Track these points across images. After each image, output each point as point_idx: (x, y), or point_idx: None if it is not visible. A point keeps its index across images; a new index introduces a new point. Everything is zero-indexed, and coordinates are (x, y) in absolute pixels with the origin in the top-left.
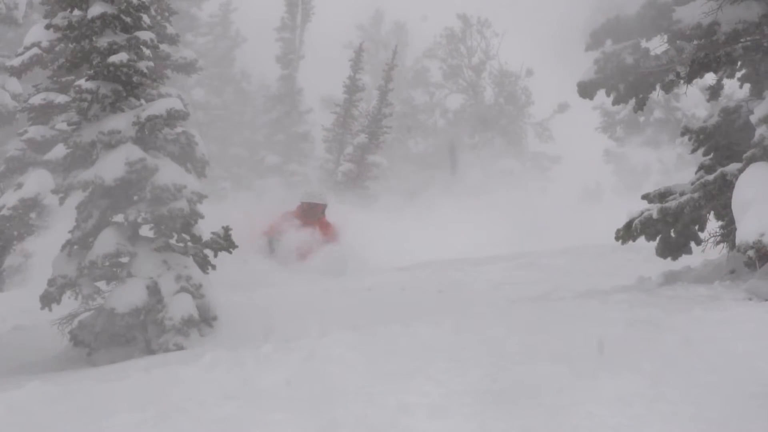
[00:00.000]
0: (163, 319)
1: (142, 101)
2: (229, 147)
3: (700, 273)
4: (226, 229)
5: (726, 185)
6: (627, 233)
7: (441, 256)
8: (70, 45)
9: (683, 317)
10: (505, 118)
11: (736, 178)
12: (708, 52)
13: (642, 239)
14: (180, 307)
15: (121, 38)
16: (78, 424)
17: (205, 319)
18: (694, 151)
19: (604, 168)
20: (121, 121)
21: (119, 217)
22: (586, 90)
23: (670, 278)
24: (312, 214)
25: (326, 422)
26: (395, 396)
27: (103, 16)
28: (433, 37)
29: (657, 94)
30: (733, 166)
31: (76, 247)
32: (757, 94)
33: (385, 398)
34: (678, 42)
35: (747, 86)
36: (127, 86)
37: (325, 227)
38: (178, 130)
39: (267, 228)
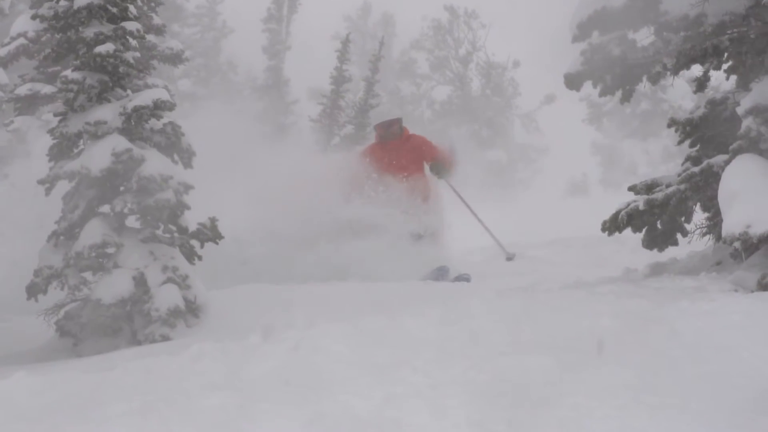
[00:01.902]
0: (149, 309)
1: (129, 92)
2: None
3: (687, 264)
4: (213, 219)
5: (712, 177)
6: (613, 225)
7: None
8: (56, 35)
9: (669, 309)
10: (492, 109)
11: (723, 170)
12: (695, 44)
13: (628, 231)
14: (166, 298)
15: (107, 28)
16: (64, 415)
17: (191, 310)
18: (680, 142)
19: (590, 159)
20: (107, 112)
21: (105, 208)
22: (573, 81)
23: (657, 270)
24: (392, 135)
25: (313, 413)
26: (382, 387)
27: (89, 7)
28: (420, 28)
29: (644, 86)
30: (719, 158)
31: (62, 237)
32: (743, 85)
33: (372, 389)
34: (665, 34)
35: (734, 78)
36: (114, 77)
37: (416, 141)
38: (165, 120)
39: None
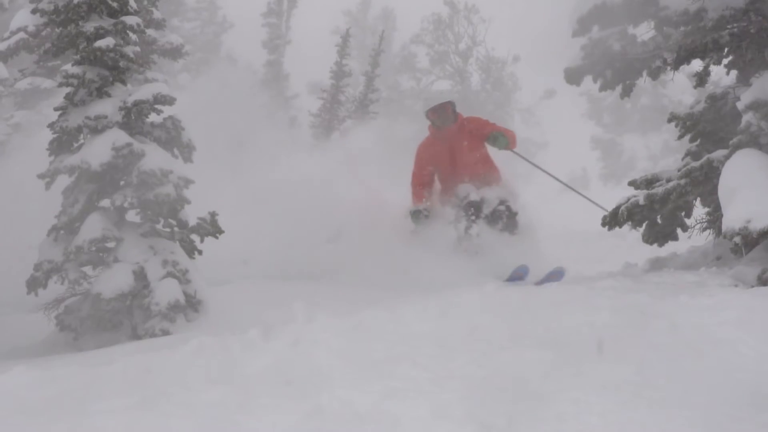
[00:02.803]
0: (149, 304)
1: (129, 86)
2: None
3: (687, 259)
4: (213, 214)
5: (712, 172)
6: (614, 219)
7: None
8: (56, 30)
9: (669, 303)
10: (492, 104)
11: (723, 165)
12: (695, 39)
13: (628, 225)
14: (166, 292)
15: (107, 23)
16: (64, 409)
17: (191, 305)
18: (680, 137)
19: (590, 154)
20: (107, 106)
21: (106, 202)
22: (573, 76)
23: (657, 264)
24: (447, 118)
25: (312, 407)
26: (381, 381)
27: (89, 1)
28: (420, 23)
29: (644, 81)
30: (719, 153)
31: (62, 232)
32: (743, 80)
33: (371, 384)
34: (665, 28)
35: (734, 73)
36: (114, 71)
37: (472, 123)
38: (165, 115)
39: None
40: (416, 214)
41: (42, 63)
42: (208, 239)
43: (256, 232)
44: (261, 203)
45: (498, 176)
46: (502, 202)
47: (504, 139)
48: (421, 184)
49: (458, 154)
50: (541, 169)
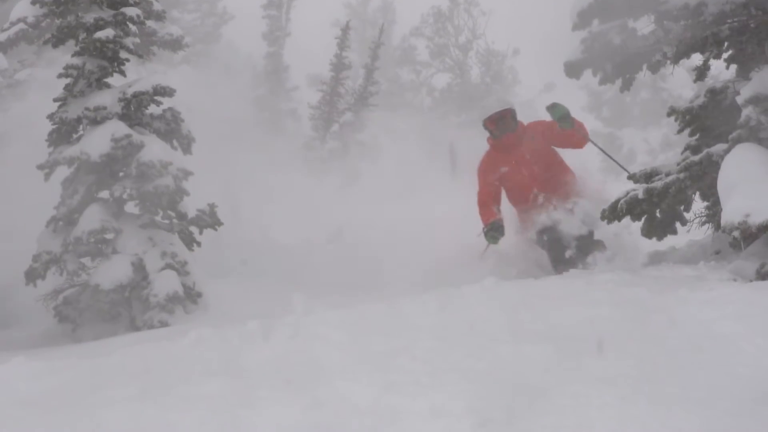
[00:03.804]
0: (148, 295)
1: (128, 77)
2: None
3: (686, 253)
4: (212, 206)
5: (712, 166)
6: (612, 213)
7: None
8: (56, 20)
9: (668, 297)
10: (492, 97)
11: (722, 159)
12: (695, 33)
13: (627, 219)
14: (165, 284)
15: (107, 14)
16: (63, 401)
17: (190, 297)
18: (680, 131)
19: (589, 148)
20: (107, 97)
21: (105, 194)
22: (573, 69)
23: (656, 258)
24: (507, 127)
25: (311, 400)
26: (380, 375)
27: None
28: (420, 15)
29: (644, 75)
30: (719, 147)
31: (61, 223)
32: (743, 74)
33: (370, 377)
34: (665, 22)
35: (734, 67)
36: (113, 62)
37: (535, 127)
38: (164, 106)
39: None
40: (492, 232)
41: (42, 54)
42: (208, 239)
43: (256, 232)
44: (260, 204)
45: (572, 180)
46: (584, 238)
47: (562, 107)
48: (488, 202)
49: (524, 165)
50: (617, 162)
